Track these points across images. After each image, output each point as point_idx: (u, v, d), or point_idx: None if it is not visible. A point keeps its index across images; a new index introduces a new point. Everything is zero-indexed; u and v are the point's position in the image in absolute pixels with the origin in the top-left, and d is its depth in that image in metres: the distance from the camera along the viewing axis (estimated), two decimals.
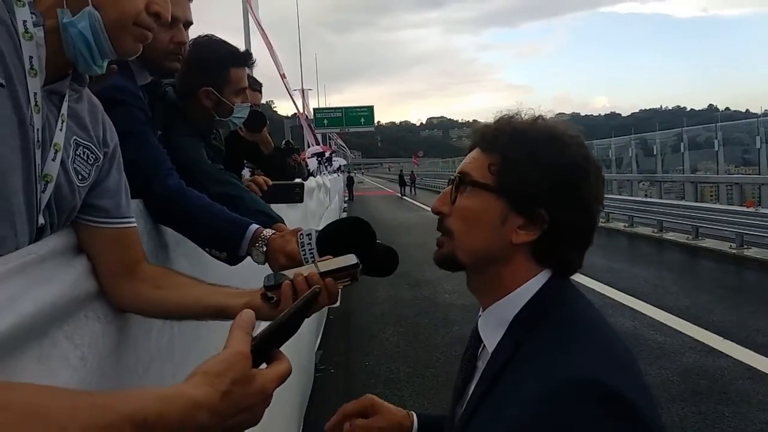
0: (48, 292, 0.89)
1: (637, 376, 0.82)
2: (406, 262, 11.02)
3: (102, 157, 1.08)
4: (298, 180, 5.32)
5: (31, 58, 0.89)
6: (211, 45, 1.92)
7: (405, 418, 1.18)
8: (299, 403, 3.84)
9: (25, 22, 0.88)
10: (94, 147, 1.06)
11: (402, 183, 40.22)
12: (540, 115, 0.94)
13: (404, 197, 35.37)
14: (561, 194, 0.88)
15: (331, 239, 1.23)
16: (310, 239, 1.27)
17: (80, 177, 1.02)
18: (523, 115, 0.95)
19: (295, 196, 2.29)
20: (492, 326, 0.94)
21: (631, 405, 0.75)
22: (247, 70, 1.97)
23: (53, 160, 0.96)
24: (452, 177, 0.98)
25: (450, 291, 8.30)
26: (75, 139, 1.02)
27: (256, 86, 2.72)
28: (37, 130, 0.92)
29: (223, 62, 1.87)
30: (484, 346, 0.96)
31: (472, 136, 0.98)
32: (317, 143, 19.28)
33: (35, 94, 0.91)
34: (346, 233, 1.21)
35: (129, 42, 0.97)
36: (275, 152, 2.99)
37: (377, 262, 1.17)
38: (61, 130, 0.97)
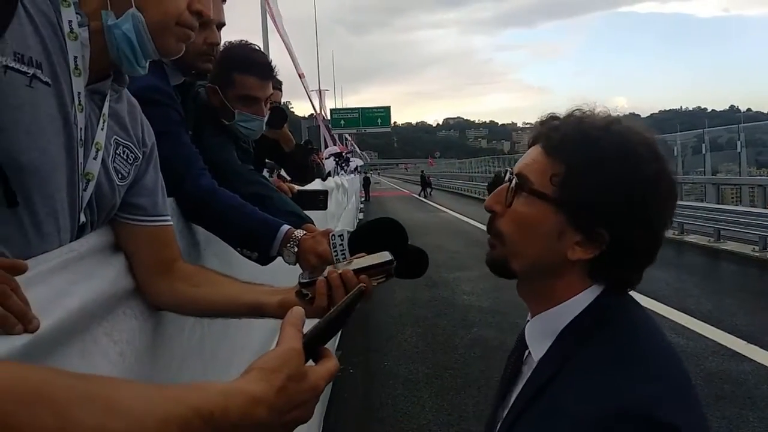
0: (89, 288, 0.91)
1: (694, 405, 0.79)
2: None
3: (141, 156, 1.09)
4: (317, 180, 5.34)
5: (75, 57, 0.90)
6: (231, 47, 1.92)
7: None
8: (320, 405, 3.84)
9: (70, 22, 0.89)
10: (133, 147, 1.07)
11: (424, 184, 39.26)
12: (615, 119, 0.86)
13: (422, 199, 34.78)
14: (626, 215, 0.82)
15: (363, 239, 1.24)
16: (342, 240, 1.28)
17: (120, 176, 1.04)
18: (596, 113, 0.87)
19: (320, 203, 2.29)
20: (539, 335, 0.91)
21: None
22: (258, 81, 1.89)
23: (95, 158, 0.97)
24: (509, 174, 0.92)
25: (468, 292, 8.27)
26: (115, 139, 1.04)
27: (276, 84, 2.72)
28: (81, 129, 0.93)
29: (228, 64, 1.86)
30: (530, 352, 0.93)
31: (535, 131, 0.92)
32: (335, 144, 19.34)
33: (79, 93, 0.92)
34: (378, 234, 1.21)
35: (172, 42, 0.99)
36: (296, 149, 2.98)
37: (409, 264, 1.17)
38: (102, 129, 0.99)
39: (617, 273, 0.87)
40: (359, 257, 1.09)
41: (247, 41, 1.97)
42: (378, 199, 35.14)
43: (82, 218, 0.98)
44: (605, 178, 0.82)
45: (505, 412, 0.94)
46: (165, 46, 0.99)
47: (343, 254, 1.26)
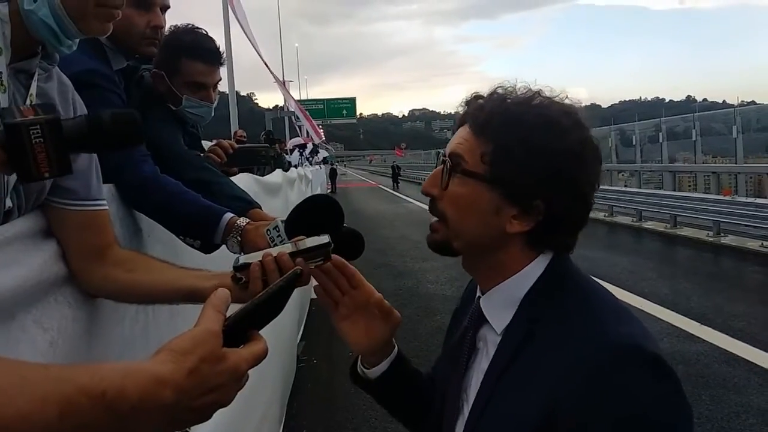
0: (14, 275, 0.87)
1: (656, 341, 0.86)
2: (388, 254, 11.03)
3: None
4: (278, 171, 5.28)
5: None
6: (177, 31, 1.86)
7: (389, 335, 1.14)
8: (281, 394, 3.83)
9: None
10: None
11: (395, 176, 37.81)
12: (537, 92, 0.88)
13: (394, 192, 33.31)
14: (557, 184, 0.85)
15: (300, 221, 1.22)
16: (278, 231, 1.25)
17: None
18: (518, 91, 0.89)
19: (261, 158, 2.18)
20: (498, 306, 0.92)
21: (668, 366, 0.80)
22: (205, 66, 1.85)
23: None
24: (441, 156, 0.94)
25: (432, 281, 8.32)
26: None
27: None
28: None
29: (175, 50, 1.81)
30: (486, 326, 0.95)
31: (463, 111, 0.93)
32: (311, 132, 19.07)
33: (0, 72, 0.88)
34: (314, 213, 1.20)
35: (94, 24, 0.94)
36: None
37: (343, 245, 1.16)
38: None
39: (555, 239, 0.90)
40: (298, 240, 1.07)
41: (193, 25, 1.92)
42: (344, 190, 35.01)
43: (8, 203, 0.94)
44: (533, 153, 0.84)
45: (472, 389, 0.94)
46: (88, 28, 0.94)
47: (282, 242, 1.24)
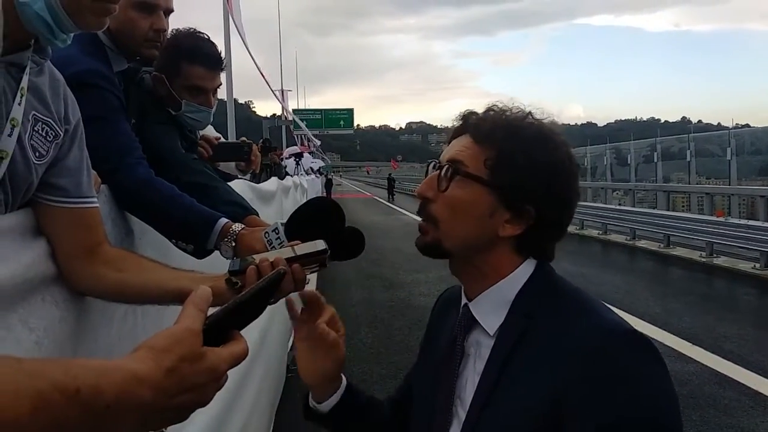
0: (1, 272, 0.85)
1: None
2: (381, 265, 11.01)
3: (62, 134, 1.03)
4: (274, 179, 5.27)
5: None
6: (179, 35, 1.87)
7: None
8: (270, 404, 3.79)
9: None
10: (54, 123, 1.01)
11: (390, 188, 37.96)
12: (529, 112, 0.96)
13: (389, 204, 33.44)
14: (549, 193, 0.92)
15: (301, 225, 1.21)
16: (277, 234, 1.24)
17: (37, 154, 0.98)
18: (512, 109, 0.97)
19: (243, 153, 2.27)
20: (489, 309, 0.95)
21: (658, 351, 0.86)
22: (206, 71, 1.86)
23: (9, 135, 0.91)
24: (437, 162, 0.99)
25: (425, 293, 8.29)
26: (34, 114, 0.98)
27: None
28: None
29: (176, 53, 1.81)
30: (476, 331, 0.97)
31: (461, 123, 0.99)
32: (305, 144, 19.12)
33: None
34: (315, 218, 1.19)
35: (90, 18, 0.92)
36: None
37: (344, 245, 1.16)
38: (19, 104, 0.93)
39: (541, 245, 0.96)
40: (294, 245, 1.06)
41: (195, 29, 1.92)
42: (340, 201, 34.86)
43: None
44: (531, 161, 0.91)
45: (467, 392, 0.95)
46: (83, 22, 0.92)
47: (281, 245, 1.23)
